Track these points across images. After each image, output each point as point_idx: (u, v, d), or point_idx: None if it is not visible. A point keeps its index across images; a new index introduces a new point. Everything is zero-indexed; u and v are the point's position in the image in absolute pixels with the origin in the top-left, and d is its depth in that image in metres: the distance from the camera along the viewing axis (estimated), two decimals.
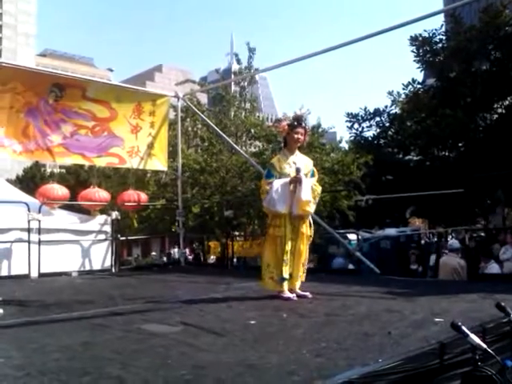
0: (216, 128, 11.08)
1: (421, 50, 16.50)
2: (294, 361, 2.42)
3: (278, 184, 4.56)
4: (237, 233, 15.22)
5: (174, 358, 2.58)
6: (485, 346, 2.60)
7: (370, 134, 19.91)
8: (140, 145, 8.27)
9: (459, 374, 2.67)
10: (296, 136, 4.75)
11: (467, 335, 2.59)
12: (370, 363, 2.33)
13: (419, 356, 2.50)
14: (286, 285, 4.63)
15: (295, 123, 4.76)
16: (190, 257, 15.98)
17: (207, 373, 2.29)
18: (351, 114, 19.61)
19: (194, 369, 2.35)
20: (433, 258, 8.97)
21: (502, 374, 2.67)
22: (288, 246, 4.63)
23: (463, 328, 2.60)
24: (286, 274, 4.62)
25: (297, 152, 4.79)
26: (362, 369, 2.26)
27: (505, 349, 3.05)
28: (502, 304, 3.04)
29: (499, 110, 16.66)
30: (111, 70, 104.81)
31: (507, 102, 16.31)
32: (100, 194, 8.46)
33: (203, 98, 19.85)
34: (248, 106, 16.77)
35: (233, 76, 18.28)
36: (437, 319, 3.29)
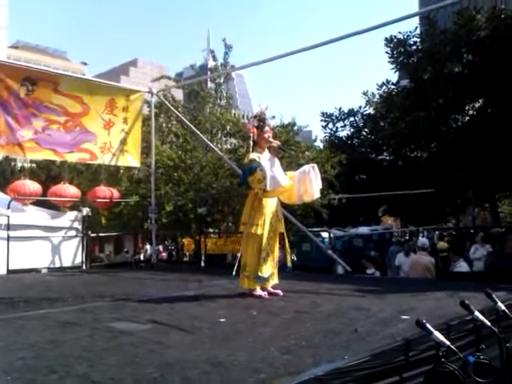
0: (190, 125, 11.03)
1: (395, 52, 16.73)
2: (262, 358, 2.44)
3: (266, 164, 4.58)
4: (211, 230, 15.20)
5: (142, 355, 2.58)
6: (448, 342, 2.66)
7: (344, 133, 20.13)
8: (112, 140, 8.18)
9: (424, 371, 2.73)
10: (266, 135, 4.79)
11: (431, 332, 2.65)
12: (336, 360, 2.37)
13: (385, 353, 2.54)
14: (260, 283, 4.66)
15: (261, 123, 4.80)
16: (164, 254, 15.90)
17: (174, 370, 2.29)
18: (326, 113, 19.79)
19: (161, 366, 2.35)
20: (399, 255, 9.12)
21: (464, 370, 2.75)
22: (266, 245, 4.67)
23: (427, 325, 2.66)
24: (264, 273, 4.64)
25: (267, 151, 4.81)
26: (328, 365, 2.29)
27: (468, 345, 3.13)
28: (466, 302, 3.12)
29: (470, 112, 17.00)
30: (85, 64, 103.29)
31: (478, 105, 16.66)
32: (70, 190, 8.35)
33: (178, 95, 19.71)
34: (223, 102, 16.74)
35: (209, 72, 18.23)
36: (403, 317, 3.35)
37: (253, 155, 4.71)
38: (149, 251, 12.61)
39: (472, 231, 13.12)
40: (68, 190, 8.29)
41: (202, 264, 8.51)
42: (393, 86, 18.30)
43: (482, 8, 15.54)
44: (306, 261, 10.63)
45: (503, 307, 3.43)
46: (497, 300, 3.44)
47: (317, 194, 4.90)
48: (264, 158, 4.70)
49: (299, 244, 12.05)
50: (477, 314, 3.11)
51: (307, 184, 4.78)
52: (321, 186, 4.90)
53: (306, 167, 4.88)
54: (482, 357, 2.97)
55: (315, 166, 4.92)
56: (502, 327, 3.32)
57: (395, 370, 2.58)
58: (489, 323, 3.12)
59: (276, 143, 4.82)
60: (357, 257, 9.96)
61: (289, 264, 5.08)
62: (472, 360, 2.88)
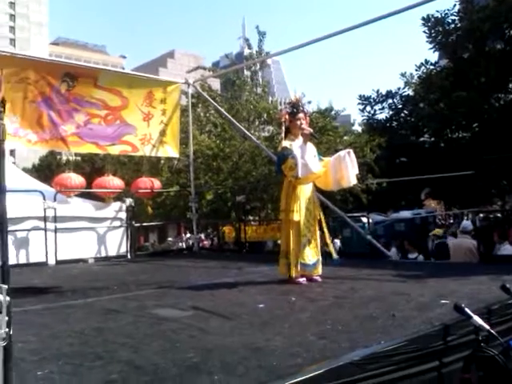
0: (226, 114, 11.10)
1: (433, 31, 16.22)
2: (299, 343, 2.48)
3: (298, 151, 4.60)
4: (251, 217, 15.31)
5: (183, 341, 2.67)
6: (488, 327, 2.63)
7: (382, 116, 19.71)
8: (152, 132, 8.35)
9: (464, 356, 2.70)
10: (298, 122, 4.78)
11: (470, 317, 2.63)
12: (372, 345, 2.39)
13: (422, 338, 2.54)
14: (305, 270, 4.67)
15: (294, 110, 4.79)
16: (206, 242, 16.14)
17: (214, 356, 2.36)
18: (363, 96, 19.42)
19: (201, 352, 2.42)
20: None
21: (505, 355, 2.71)
22: (306, 231, 4.68)
23: (466, 310, 2.63)
24: (307, 260, 4.65)
25: (300, 138, 4.80)
26: (364, 350, 2.31)
27: (510, 330, 3.07)
28: (507, 285, 3.06)
29: None
30: (124, 57, 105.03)
31: None
32: (114, 181, 8.58)
33: (215, 84, 19.83)
34: (260, 90, 16.74)
35: (244, 61, 18.22)
36: (443, 301, 3.32)
37: (285, 143, 4.73)
38: (190, 239, 12.83)
39: None
40: (112, 182, 8.52)
41: (244, 251, 8.61)
42: (432, 67, 17.76)
43: None
44: (347, 246, 10.60)
45: None
46: None
47: (353, 180, 4.87)
48: (296, 145, 4.70)
49: (340, 230, 12.02)
50: None
51: (343, 170, 4.76)
52: (357, 172, 4.87)
53: (342, 153, 4.86)
54: None
55: (351, 151, 4.90)
56: None
57: (433, 355, 2.57)
58: None
59: (308, 130, 4.81)
60: (399, 241, 9.84)
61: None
62: None
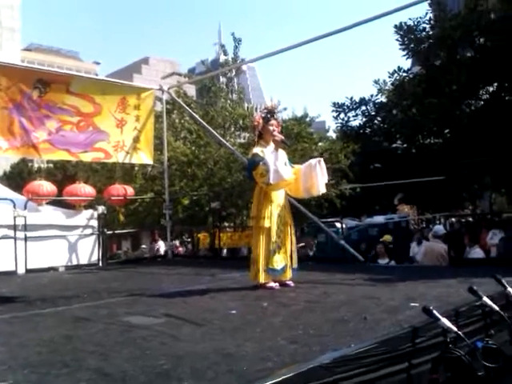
0: (201, 120, 11.08)
1: (406, 39, 16.51)
2: (269, 348, 2.49)
3: (269, 158, 4.61)
4: (226, 224, 15.28)
5: (154, 348, 2.65)
6: (455, 328, 2.69)
7: (356, 123, 19.98)
8: (125, 139, 8.28)
9: (432, 357, 2.75)
10: (271, 128, 4.81)
11: (438, 319, 2.68)
12: (342, 348, 2.41)
13: (392, 340, 2.58)
14: (273, 276, 4.69)
15: (268, 116, 4.82)
16: (181, 249, 16.02)
17: (184, 362, 2.35)
18: (337, 103, 19.65)
19: (171, 359, 2.41)
20: (412, 245, 9.08)
21: (472, 356, 2.77)
22: (276, 237, 4.70)
23: (435, 312, 2.68)
24: (276, 266, 4.67)
25: (271, 144, 4.83)
26: (334, 353, 2.33)
27: (477, 332, 3.14)
28: (474, 288, 3.13)
29: (484, 97, 16.76)
30: (98, 63, 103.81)
31: (492, 89, 16.41)
32: (85, 189, 8.47)
33: (191, 90, 19.78)
34: (235, 96, 16.76)
35: (220, 67, 18.23)
36: (412, 304, 3.37)
37: (256, 149, 4.75)
38: (162, 247, 12.72)
39: (488, 217, 13.00)
40: (83, 189, 8.41)
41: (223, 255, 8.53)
42: (404, 74, 18.07)
43: None
44: (321, 252, 10.67)
45: None
46: (506, 285, 3.44)
47: (323, 189, 4.90)
48: (268, 151, 4.72)
49: (314, 235, 12.09)
50: (485, 299, 3.12)
51: (313, 178, 4.79)
52: (326, 180, 4.90)
53: (313, 161, 4.90)
54: (490, 342, 2.98)
55: (322, 160, 4.94)
56: (511, 312, 3.33)
57: (403, 357, 2.61)
58: (497, 308, 3.13)
59: (279, 137, 4.84)
60: (372, 246, 9.96)
61: (294, 265, 4.89)
62: (480, 345, 2.90)
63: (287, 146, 5.40)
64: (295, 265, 4.89)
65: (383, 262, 7.78)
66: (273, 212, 4.68)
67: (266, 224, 4.64)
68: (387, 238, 9.15)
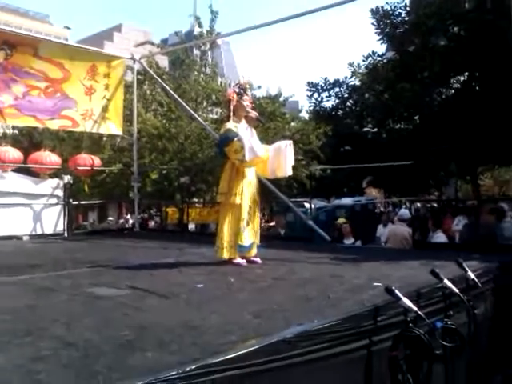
0: (173, 93, 10.88)
1: (381, 23, 16.54)
2: (234, 322, 2.51)
3: (244, 134, 4.58)
4: (195, 199, 15.23)
5: (118, 319, 2.63)
6: (415, 308, 2.76)
7: (329, 104, 20.08)
8: (94, 107, 8.09)
9: (393, 335, 2.82)
10: (245, 104, 4.77)
11: (400, 298, 2.74)
12: (305, 323, 2.44)
13: (354, 317, 2.63)
14: (241, 252, 4.70)
15: (242, 91, 4.78)
16: (152, 223, 15.92)
17: (148, 333, 2.35)
18: (311, 83, 19.68)
19: (136, 329, 2.40)
20: (379, 227, 9.27)
21: (431, 335, 2.86)
22: (246, 214, 4.69)
23: (396, 292, 2.75)
24: (245, 242, 4.68)
25: (243, 121, 4.80)
26: (297, 328, 2.37)
27: (437, 312, 3.23)
28: (436, 270, 3.22)
29: (455, 86, 17.02)
30: (68, 28, 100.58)
31: (463, 78, 16.67)
32: (50, 157, 8.28)
33: (163, 61, 19.38)
34: (209, 71, 16.55)
35: (194, 39, 17.91)
36: (375, 284, 3.44)
37: (229, 124, 4.67)
38: (130, 220, 12.61)
39: (453, 203, 13.33)
40: (48, 158, 8.22)
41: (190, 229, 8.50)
42: (379, 58, 18.18)
43: None
44: (290, 230, 10.76)
45: (473, 276, 3.55)
46: (467, 269, 3.55)
47: (289, 172, 4.92)
48: (241, 127, 4.69)
49: (284, 214, 12.17)
50: (446, 282, 3.21)
51: (281, 160, 4.80)
52: (293, 163, 4.91)
53: (283, 144, 4.90)
54: (449, 322, 3.09)
55: (291, 142, 4.96)
56: (470, 295, 3.44)
57: (364, 334, 2.67)
58: (457, 291, 3.23)
59: (254, 114, 4.82)
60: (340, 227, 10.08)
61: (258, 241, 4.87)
62: (439, 325, 3.00)
63: (262, 123, 5.38)
64: (257, 242, 4.89)
65: (349, 242, 7.90)
66: (244, 189, 4.67)
67: (237, 201, 4.62)
68: (341, 220, 9.29)
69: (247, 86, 4.94)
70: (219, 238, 4.68)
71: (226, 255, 4.66)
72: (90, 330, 2.43)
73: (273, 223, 11.42)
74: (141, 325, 2.49)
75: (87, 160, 8.63)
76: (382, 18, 16.47)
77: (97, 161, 8.97)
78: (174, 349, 2.12)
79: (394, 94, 16.02)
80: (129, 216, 13.30)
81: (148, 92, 15.63)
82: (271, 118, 14.99)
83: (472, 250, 5.10)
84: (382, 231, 8.98)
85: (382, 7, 16.47)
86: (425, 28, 15.09)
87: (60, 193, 8.09)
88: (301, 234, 8.92)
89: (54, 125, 8.12)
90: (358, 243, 7.94)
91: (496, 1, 13.20)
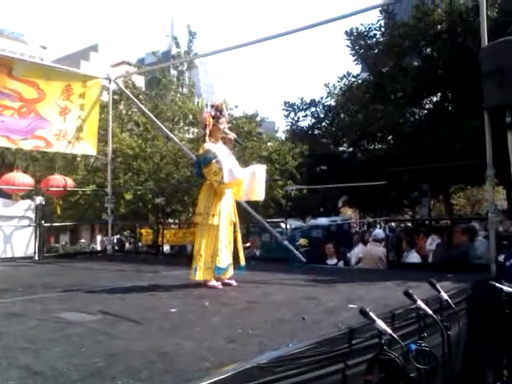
0: (149, 113, 10.85)
1: (356, 44, 16.83)
2: (208, 347, 2.47)
3: (223, 156, 4.57)
4: (171, 220, 15.11)
5: (88, 346, 2.56)
6: (390, 331, 2.76)
7: (305, 123, 20.31)
8: (68, 128, 8.00)
9: (367, 358, 2.81)
10: (222, 126, 4.78)
11: (374, 321, 2.74)
12: (280, 348, 2.42)
13: (328, 341, 2.61)
14: (218, 274, 4.66)
15: (218, 114, 4.78)
16: (128, 244, 15.71)
17: (119, 360, 2.29)
18: (288, 102, 19.92)
19: (106, 356, 2.35)
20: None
21: (405, 357, 2.86)
22: (223, 235, 4.67)
23: (371, 314, 2.75)
24: (222, 264, 4.64)
25: (220, 142, 4.81)
26: (271, 353, 2.34)
27: (411, 334, 3.24)
28: (410, 291, 3.23)
29: (428, 106, 17.36)
30: (44, 48, 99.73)
31: (435, 99, 17.02)
32: (23, 178, 8.13)
33: (140, 81, 19.39)
34: (186, 90, 16.61)
35: (171, 59, 17.98)
36: (350, 305, 3.44)
37: (208, 145, 4.65)
38: (99, 242, 12.42)
39: (427, 223, 13.48)
40: (20, 179, 8.08)
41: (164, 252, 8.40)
42: (353, 79, 18.49)
43: (441, 1, 15.75)
44: (266, 251, 10.73)
45: (446, 296, 3.58)
46: (440, 289, 3.57)
47: (263, 196, 4.95)
48: (219, 148, 4.69)
49: (260, 235, 12.14)
50: (419, 303, 3.22)
51: (256, 185, 4.83)
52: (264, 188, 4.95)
53: (257, 169, 4.93)
54: (423, 344, 3.09)
55: (264, 167, 5.01)
56: (444, 316, 3.46)
57: (339, 358, 2.66)
58: (430, 312, 3.24)
59: (232, 135, 4.84)
60: (315, 248, 10.09)
61: (242, 262, 4.86)
62: (414, 348, 3.00)
63: (240, 144, 5.39)
64: (243, 262, 4.87)
65: (332, 262, 7.89)
66: (221, 210, 4.65)
67: (215, 221, 4.59)
68: (303, 241, 9.30)
69: (223, 107, 4.94)
70: (195, 259, 4.63)
71: (201, 277, 4.60)
72: (59, 357, 2.36)
73: (248, 244, 11.38)
74: (112, 352, 2.44)
75: (60, 181, 8.51)
76: (356, 39, 16.76)
77: (70, 182, 8.85)
78: (146, 376, 2.07)
79: (367, 115, 16.25)
80: (104, 238, 13.09)
81: (124, 112, 15.59)
82: (248, 137, 15.09)
83: (445, 270, 5.15)
84: (353, 252, 9.02)
85: (357, 28, 16.79)
86: (398, 49, 15.41)
87: (32, 214, 7.92)
88: (277, 255, 8.90)
89: (27, 145, 7.99)
90: (341, 264, 7.94)
91: (466, 24, 13.61)
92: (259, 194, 4.90)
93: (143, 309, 3.60)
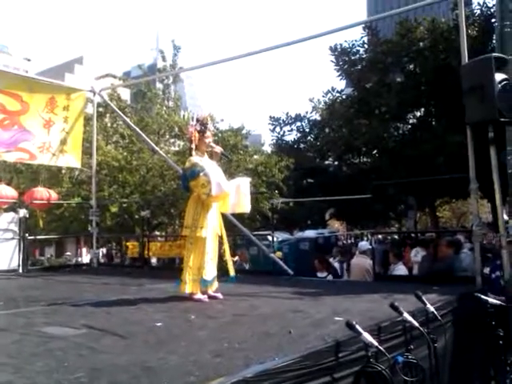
0: (133, 126, 10.81)
1: (340, 60, 17.05)
2: (193, 362, 2.44)
3: (210, 169, 4.58)
4: (157, 233, 15.00)
5: (71, 360, 2.52)
6: (376, 343, 2.75)
7: (291, 137, 20.47)
8: (52, 140, 7.93)
9: (354, 371, 2.80)
10: (207, 140, 4.80)
11: (360, 333, 2.73)
12: (266, 361, 2.40)
13: (315, 354, 2.60)
14: (203, 287, 4.64)
15: (203, 128, 4.80)
16: (103, 259, 15.53)
17: (103, 375, 2.26)
18: (273, 117, 20.08)
19: (90, 371, 2.31)
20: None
21: (392, 370, 2.85)
22: (210, 248, 4.68)
23: (357, 327, 2.74)
24: (207, 276, 4.64)
25: (206, 155, 4.82)
26: (257, 367, 2.32)
27: (398, 346, 3.24)
28: (396, 304, 3.23)
29: (411, 121, 17.60)
30: (28, 60, 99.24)
31: (419, 113, 17.27)
32: (6, 190, 8.03)
33: (125, 94, 19.36)
34: (171, 104, 16.61)
35: (157, 73, 18.01)
36: (337, 318, 3.43)
37: (195, 159, 4.67)
38: (84, 255, 12.27)
39: (413, 235, 13.57)
40: (4, 191, 7.97)
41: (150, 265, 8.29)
42: (338, 94, 18.68)
43: (424, 19, 16.08)
44: (253, 264, 10.68)
45: (432, 309, 3.59)
46: (426, 302, 3.58)
47: (248, 208, 4.96)
48: (206, 162, 4.70)
49: (247, 247, 12.10)
50: (406, 315, 3.23)
51: (241, 197, 4.85)
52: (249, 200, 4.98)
53: (241, 181, 4.96)
54: (410, 357, 3.09)
55: (249, 179, 5.04)
56: (430, 328, 3.47)
57: (325, 371, 2.64)
58: (417, 324, 3.25)
59: (219, 149, 4.86)
60: (303, 260, 10.08)
61: (231, 273, 4.92)
62: (400, 360, 3.00)
63: (227, 158, 5.41)
64: (232, 273, 4.89)
65: (322, 275, 7.88)
66: (209, 222, 4.65)
67: (203, 234, 4.60)
68: (278, 254, 9.30)
69: (207, 121, 4.95)
70: (184, 271, 4.63)
71: (188, 289, 4.59)
72: (42, 373, 2.32)
73: (236, 258, 11.34)
74: (95, 366, 2.40)
75: (44, 193, 8.42)
76: (340, 54, 16.98)
77: (54, 194, 8.75)
78: None
79: (352, 130, 16.42)
80: (84, 250, 12.96)
81: (109, 124, 15.52)
82: (233, 150, 15.10)
83: (431, 283, 5.17)
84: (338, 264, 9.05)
85: (341, 45, 17.01)
86: (381, 65, 15.64)
87: (15, 227, 7.81)
88: (264, 268, 8.86)
89: (11, 157, 7.91)
90: (330, 277, 7.93)
91: (448, 41, 13.87)
92: (245, 207, 4.92)
93: (128, 322, 3.55)
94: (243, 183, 4.92)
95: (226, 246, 4.92)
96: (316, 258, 8.45)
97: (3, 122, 7.38)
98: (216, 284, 4.79)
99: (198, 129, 4.78)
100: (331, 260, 9.52)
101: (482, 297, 4.23)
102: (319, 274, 7.99)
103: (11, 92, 7.43)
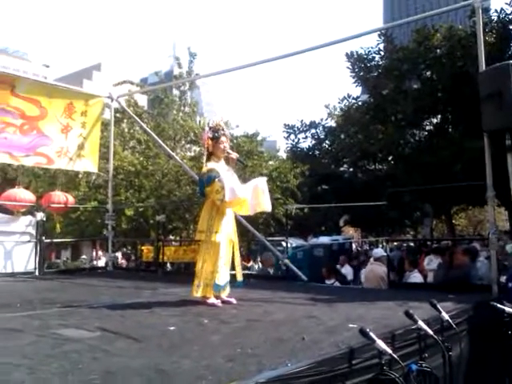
0: (150, 131, 10.93)
1: (356, 67, 17.04)
2: (206, 366, 2.45)
3: (226, 175, 4.61)
4: (172, 237, 15.08)
5: (86, 363, 2.54)
6: (390, 351, 2.73)
7: (305, 145, 20.47)
8: (70, 145, 8.05)
9: (367, 378, 2.78)
10: (222, 146, 4.82)
11: (374, 341, 2.72)
12: (278, 367, 2.39)
13: (328, 360, 2.59)
14: (216, 292, 4.66)
15: (216, 135, 4.81)
16: (123, 261, 15.62)
17: (116, 378, 2.27)
18: (288, 125, 20.09)
19: (104, 374, 2.33)
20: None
21: (406, 378, 2.82)
22: (223, 253, 4.70)
23: (371, 334, 2.72)
24: (220, 281, 4.66)
25: (222, 161, 4.85)
26: (270, 372, 2.32)
27: (412, 354, 3.21)
28: (410, 311, 3.21)
29: (428, 128, 17.49)
30: (47, 66, 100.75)
31: (435, 120, 17.16)
32: (24, 194, 8.14)
33: (142, 100, 19.56)
34: (188, 110, 16.73)
35: (174, 79, 18.16)
36: (351, 325, 3.41)
37: (211, 164, 4.71)
38: (102, 259, 12.36)
39: (429, 243, 13.45)
40: (21, 195, 8.09)
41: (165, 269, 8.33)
42: (353, 101, 18.65)
43: (440, 26, 16.02)
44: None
45: (447, 317, 3.55)
46: (441, 310, 3.55)
47: (269, 206, 4.94)
48: (221, 168, 4.73)
49: (261, 253, 12.10)
50: (420, 323, 3.20)
51: (260, 195, 4.83)
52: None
53: (258, 181, 4.95)
54: (424, 365, 3.06)
55: (265, 178, 5.03)
56: (445, 336, 3.43)
57: (338, 378, 2.63)
58: (431, 332, 3.21)
59: (235, 155, 4.87)
60: (316, 266, 10.05)
61: (239, 278, 4.92)
62: (414, 368, 2.96)
63: (243, 164, 5.43)
64: (240, 278, 4.90)
65: (329, 282, 7.87)
66: (223, 228, 4.68)
67: (218, 239, 4.62)
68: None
69: (221, 127, 4.96)
70: (197, 276, 4.65)
71: (201, 294, 4.61)
72: (56, 374, 2.34)
73: (250, 263, 11.34)
74: (109, 369, 2.41)
75: (61, 197, 8.52)
76: (356, 61, 16.97)
77: (70, 198, 8.86)
78: None
79: (368, 135, 16.37)
80: (100, 253, 13.06)
81: (126, 130, 15.68)
82: (248, 156, 15.15)
83: (447, 291, 5.12)
84: (362, 271, 9.00)
85: (357, 51, 17.01)
86: (397, 72, 15.59)
87: (32, 230, 7.92)
88: (278, 273, 8.86)
89: (29, 162, 8.03)
90: (337, 284, 7.91)
91: (465, 48, 13.77)
92: (266, 205, 4.86)
93: (142, 326, 3.57)
94: (260, 182, 4.89)
95: (237, 252, 4.93)
96: (325, 267, 8.48)
97: (23, 127, 7.52)
98: (228, 289, 4.81)
99: (211, 136, 4.81)
100: (338, 267, 9.53)
101: (498, 306, 4.17)
102: (327, 282, 7.99)
103: (30, 97, 7.57)
